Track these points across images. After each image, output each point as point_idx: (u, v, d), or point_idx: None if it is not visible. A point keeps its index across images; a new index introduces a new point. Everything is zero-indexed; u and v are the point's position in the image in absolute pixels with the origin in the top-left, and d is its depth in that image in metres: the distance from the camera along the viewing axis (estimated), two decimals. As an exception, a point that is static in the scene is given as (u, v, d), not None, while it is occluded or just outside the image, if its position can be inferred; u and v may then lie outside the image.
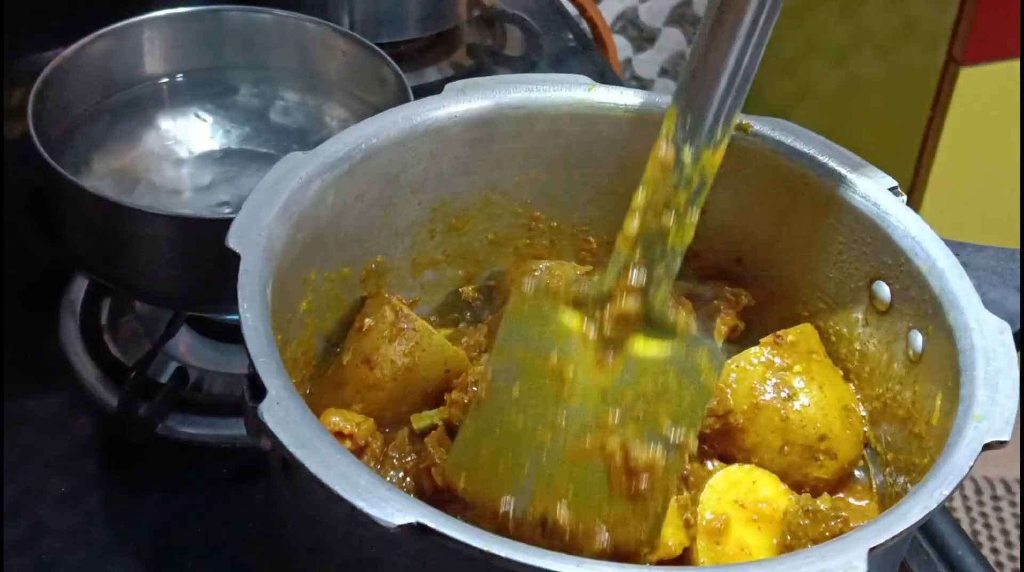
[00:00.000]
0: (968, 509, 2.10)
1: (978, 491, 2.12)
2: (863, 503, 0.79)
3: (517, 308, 0.72)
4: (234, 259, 0.68)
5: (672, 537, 0.68)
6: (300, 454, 0.59)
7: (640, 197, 0.71)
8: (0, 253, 1.06)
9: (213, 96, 1.11)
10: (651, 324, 0.71)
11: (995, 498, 2.12)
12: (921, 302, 0.73)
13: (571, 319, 0.71)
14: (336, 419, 0.75)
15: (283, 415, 0.60)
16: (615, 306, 0.71)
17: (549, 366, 0.70)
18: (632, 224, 0.71)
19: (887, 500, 0.77)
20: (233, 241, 0.69)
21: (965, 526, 2.04)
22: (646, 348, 0.71)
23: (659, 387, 0.69)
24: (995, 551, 2.04)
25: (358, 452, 0.74)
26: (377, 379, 0.78)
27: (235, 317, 0.98)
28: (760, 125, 0.81)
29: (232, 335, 1.01)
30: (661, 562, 0.69)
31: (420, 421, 0.77)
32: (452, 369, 0.78)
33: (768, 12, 0.68)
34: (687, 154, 0.71)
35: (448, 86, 0.81)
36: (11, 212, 1.06)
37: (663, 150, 0.71)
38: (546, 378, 0.69)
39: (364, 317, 0.80)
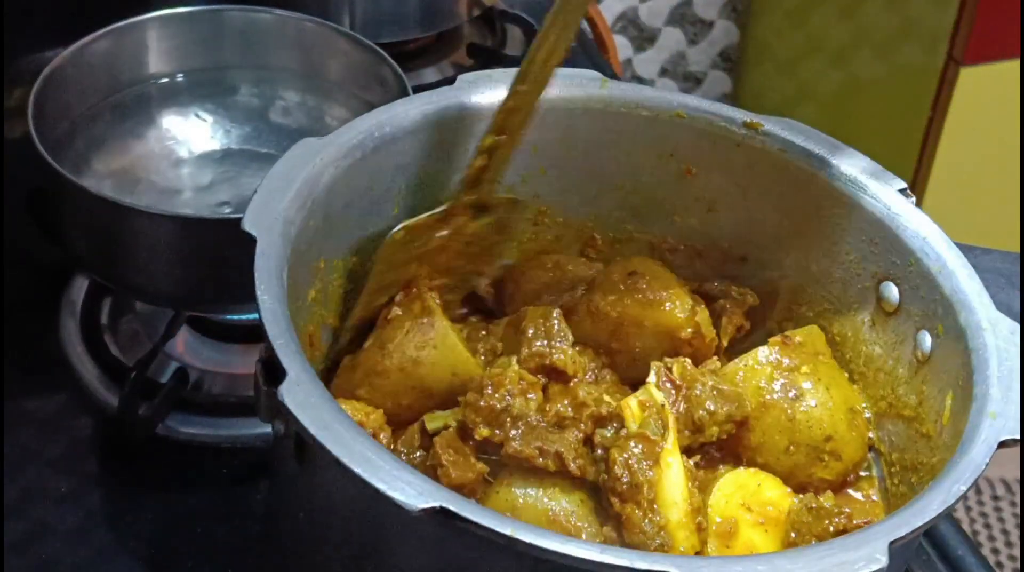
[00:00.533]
0: (968, 509, 2.10)
1: (978, 491, 2.13)
2: (866, 500, 0.79)
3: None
4: (249, 242, 0.68)
5: (685, 541, 0.68)
6: (322, 436, 0.58)
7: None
8: (0, 253, 1.06)
9: (213, 96, 1.11)
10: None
11: (995, 498, 2.12)
12: (931, 303, 0.73)
13: None
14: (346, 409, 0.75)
15: (303, 397, 0.60)
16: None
17: None
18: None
19: (892, 500, 0.76)
20: (249, 224, 0.69)
21: (965, 526, 2.04)
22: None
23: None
24: (995, 551, 2.05)
25: None
26: (385, 366, 0.77)
27: (235, 317, 1.00)
28: (770, 124, 0.81)
29: (233, 335, 1.01)
30: None
31: (433, 421, 0.76)
32: (459, 373, 0.77)
33: None
34: None
35: (460, 78, 0.81)
36: (11, 212, 1.06)
37: None
38: None
39: (394, 306, 0.80)
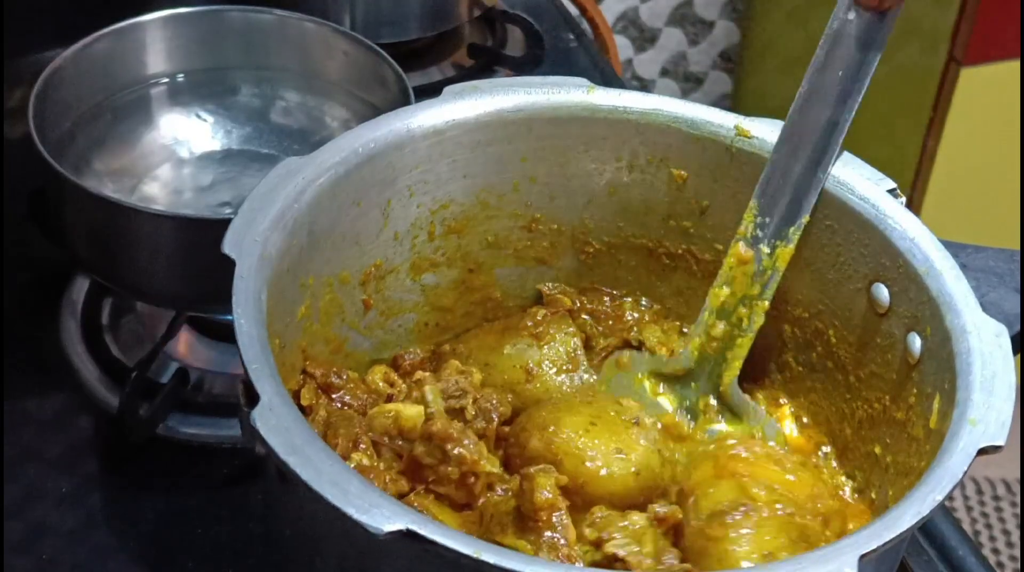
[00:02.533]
0: (969, 509, 2.10)
1: (979, 491, 2.12)
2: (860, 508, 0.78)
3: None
4: (230, 265, 0.69)
5: None
6: (291, 461, 0.59)
7: (720, 293, 0.81)
8: (0, 253, 1.06)
9: (214, 96, 1.11)
10: (720, 400, 0.82)
11: (996, 498, 2.12)
12: (919, 305, 0.73)
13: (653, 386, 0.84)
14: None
15: (275, 421, 0.61)
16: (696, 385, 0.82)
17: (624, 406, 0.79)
18: (712, 320, 0.82)
19: (889, 505, 0.76)
20: (228, 247, 0.70)
21: (966, 526, 2.04)
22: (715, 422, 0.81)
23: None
24: (996, 551, 2.05)
25: None
26: None
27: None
28: (760, 126, 0.81)
29: (233, 335, 1.01)
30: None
31: None
32: None
33: (836, 140, 0.78)
34: (764, 250, 0.80)
35: (446, 90, 0.82)
36: (12, 212, 1.06)
37: (743, 249, 0.80)
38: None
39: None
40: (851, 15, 0.77)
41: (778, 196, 0.79)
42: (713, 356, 0.82)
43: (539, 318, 0.85)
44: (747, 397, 0.82)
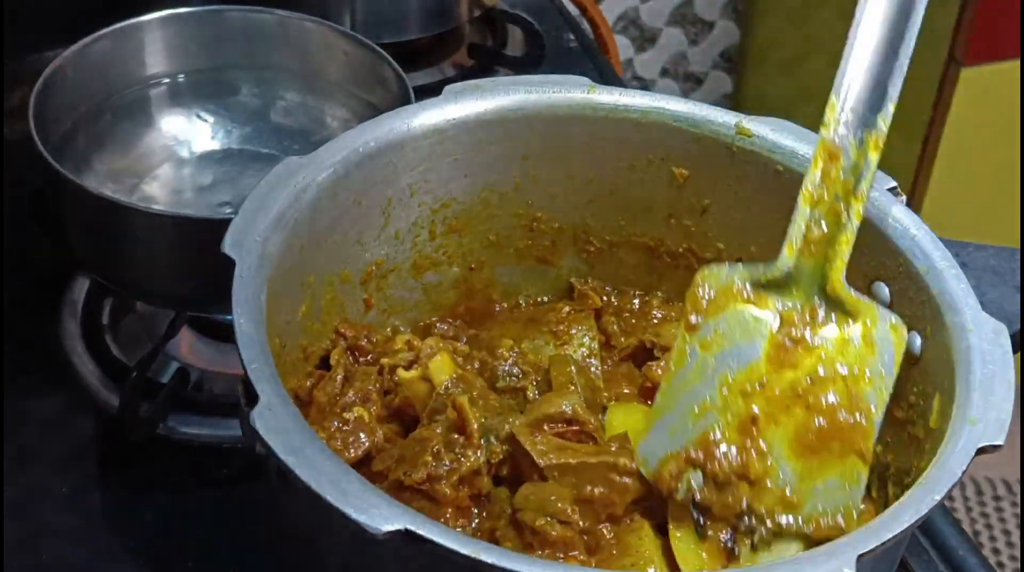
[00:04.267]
0: (969, 509, 2.10)
1: (979, 491, 2.12)
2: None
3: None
4: (230, 265, 0.69)
5: None
6: (290, 461, 0.59)
7: (811, 194, 0.74)
8: (0, 253, 1.06)
9: (214, 96, 1.11)
10: (831, 303, 0.74)
11: (996, 498, 2.12)
12: (919, 303, 0.73)
13: (755, 312, 0.74)
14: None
15: (274, 422, 0.61)
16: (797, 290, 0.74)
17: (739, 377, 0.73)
18: (807, 222, 0.74)
19: (890, 503, 0.76)
20: (229, 247, 0.70)
21: (966, 526, 2.04)
22: (831, 330, 0.73)
23: (846, 365, 0.72)
24: (996, 551, 2.05)
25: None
26: None
27: (235, 318, 1.00)
28: (760, 126, 0.81)
29: (233, 335, 1.01)
30: None
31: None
32: None
33: (914, 19, 0.75)
34: (852, 142, 0.74)
35: (447, 88, 0.82)
36: (12, 212, 1.06)
37: (830, 143, 0.74)
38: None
39: None
40: None
41: (855, 86, 0.74)
42: (813, 260, 0.74)
43: (563, 314, 0.84)
44: (859, 294, 0.74)
